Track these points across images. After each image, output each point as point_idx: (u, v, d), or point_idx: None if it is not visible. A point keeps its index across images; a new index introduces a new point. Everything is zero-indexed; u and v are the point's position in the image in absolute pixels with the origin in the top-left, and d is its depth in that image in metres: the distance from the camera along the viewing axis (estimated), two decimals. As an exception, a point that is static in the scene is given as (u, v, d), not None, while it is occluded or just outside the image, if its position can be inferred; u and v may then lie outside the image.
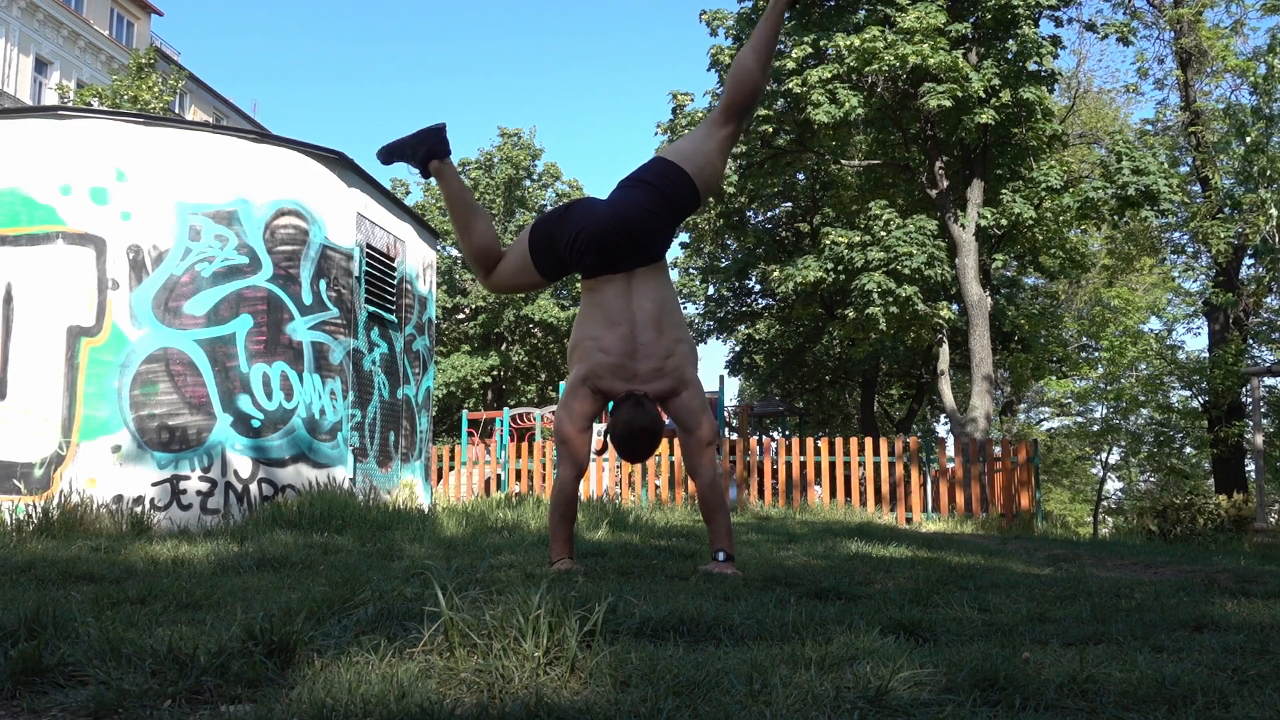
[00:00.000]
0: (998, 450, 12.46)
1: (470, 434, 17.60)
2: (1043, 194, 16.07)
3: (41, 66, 28.66)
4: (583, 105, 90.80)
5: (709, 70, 18.04)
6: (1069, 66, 23.99)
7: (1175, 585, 3.32)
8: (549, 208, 30.19)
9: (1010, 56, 15.61)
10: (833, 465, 12.30)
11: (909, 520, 11.64)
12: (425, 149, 3.58)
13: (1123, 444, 26.61)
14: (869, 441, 12.61)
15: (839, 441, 12.49)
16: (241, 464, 5.90)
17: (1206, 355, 20.74)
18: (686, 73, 79.89)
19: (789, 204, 23.10)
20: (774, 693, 1.59)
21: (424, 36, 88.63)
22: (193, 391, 5.88)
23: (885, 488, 12.40)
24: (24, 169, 6.04)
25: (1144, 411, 23.89)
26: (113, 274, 5.93)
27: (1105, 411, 25.65)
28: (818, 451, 12.41)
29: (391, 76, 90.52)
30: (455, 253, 28.59)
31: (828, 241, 16.74)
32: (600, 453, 3.53)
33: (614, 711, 1.50)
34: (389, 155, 3.69)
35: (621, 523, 5.93)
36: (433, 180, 3.75)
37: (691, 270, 25.53)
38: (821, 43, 15.74)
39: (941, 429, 32.06)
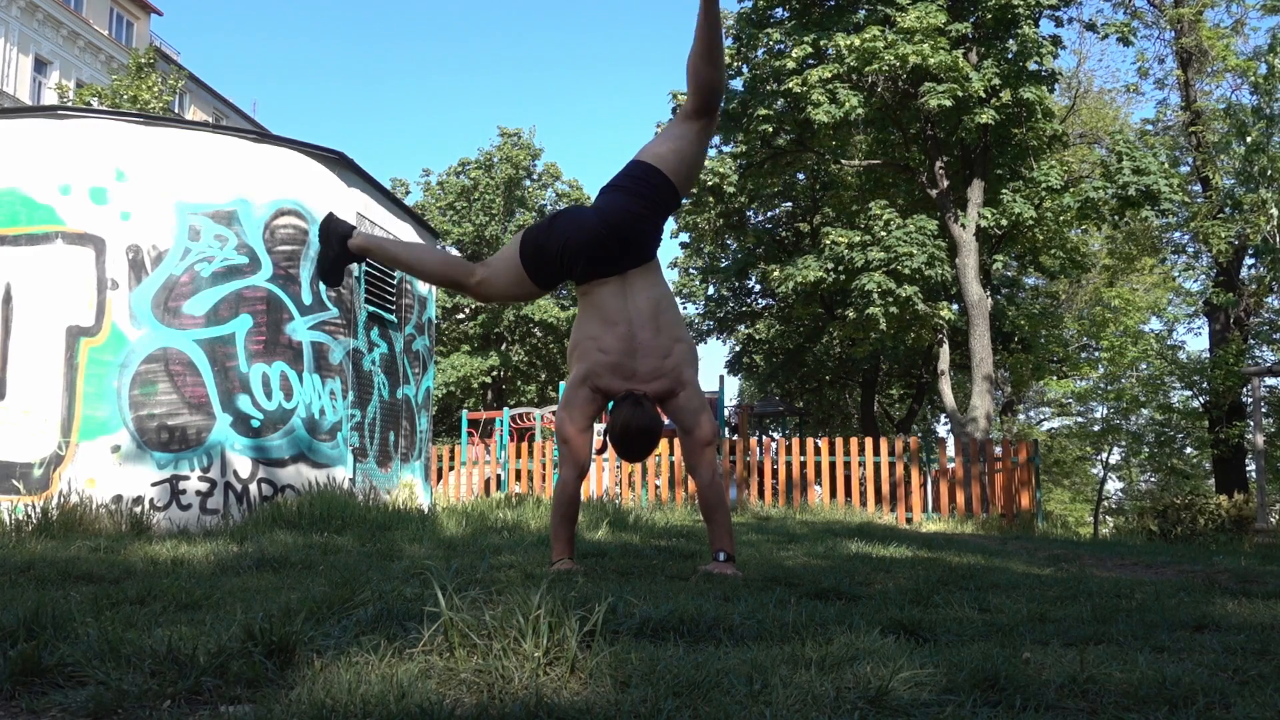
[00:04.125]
0: (998, 450, 12.46)
1: (470, 434, 17.60)
2: (1043, 194, 16.07)
3: (41, 66, 28.66)
4: (583, 105, 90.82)
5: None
6: (1069, 66, 24.00)
7: (1176, 585, 3.32)
8: (549, 208, 30.27)
9: (1010, 56, 15.61)
10: (833, 465, 12.30)
11: (909, 520, 11.64)
12: (336, 242, 3.80)
13: (1123, 444, 26.60)
14: (869, 441, 12.61)
15: (839, 441, 12.49)
16: (241, 464, 5.90)
17: (1207, 355, 20.74)
18: (686, 72, 79.71)
19: (789, 204, 23.11)
20: (774, 693, 1.59)
21: (424, 36, 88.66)
22: (192, 391, 5.88)
23: (885, 488, 12.40)
24: (23, 169, 6.04)
25: (1144, 412, 23.87)
26: (112, 274, 5.93)
27: (1105, 412, 25.65)
28: (818, 451, 12.41)
29: (391, 76, 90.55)
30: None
31: (828, 241, 16.74)
32: (600, 452, 3.54)
33: (614, 711, 1.50)
34: (325, 274, 3.90)
35: (621, 523, 5.93)
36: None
37: (691, 270, 25.52)
38: (821, 43, 15.74)
39: (941, 429, 32.07)
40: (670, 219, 3.61)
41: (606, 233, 3.34)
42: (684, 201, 3.79)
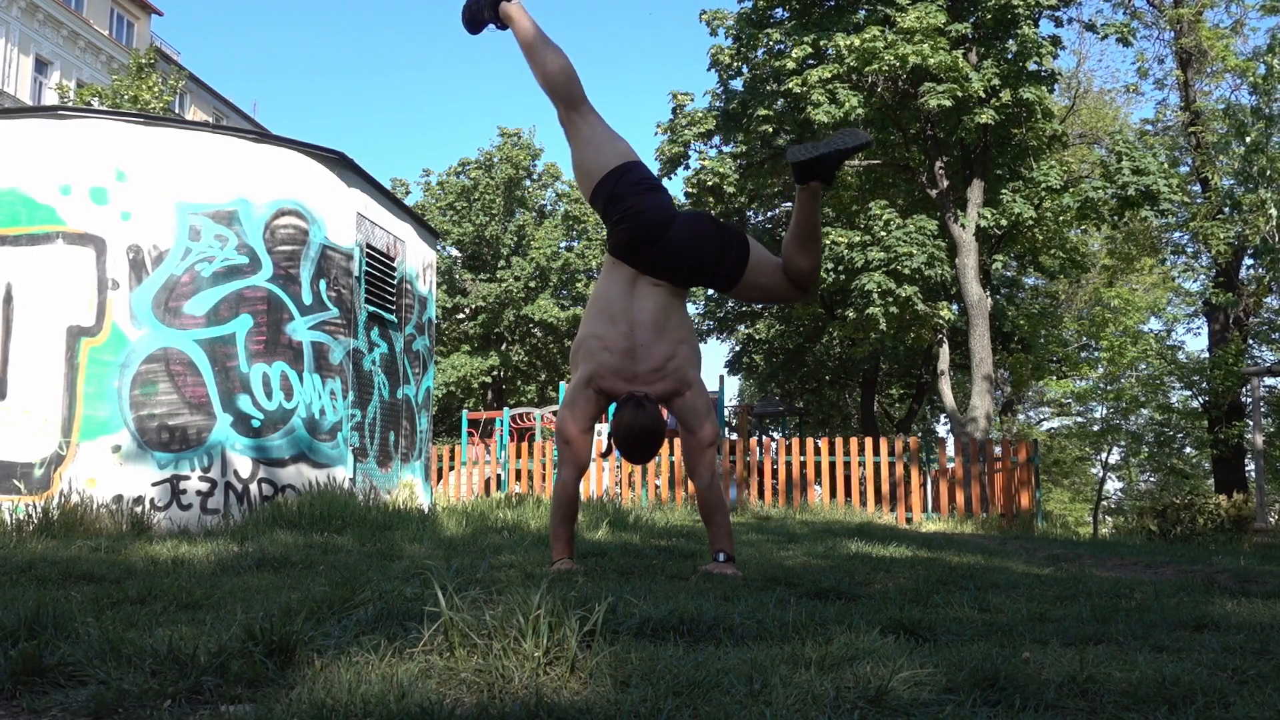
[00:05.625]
0: (998, 450, 12.46)
1: (470, 434, 17.60)
2: (1043, 194, 16.07)
3: (41, 66, 28.65)
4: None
5: (709, 70, 18.04)
6: (1069, 66, 24.02)
7: (1175, 585, 3.32)
8: (549, 208, 30.23)
9: (1010, 56, 15.60)
10: (833, 465, 12.30)
11: (909, 520, 11.64)
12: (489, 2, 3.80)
13: (1123, 444, 26.60)
14: (869, 441, 12.61)
15: (839, 441, 12.49)
16: (241, 464, 5.90)
17: (1206, 355, 20.74)
18: (686, 73, 79.87)
19: (789, 204, 23.10)
20: (774, 693, 1.59)
21: (423, 36, 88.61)
22: (193, 391, 5.88)
23: (885, 488, 12.40)
24: (24, 169, 6.04)
25: (1144, 411, 23.88)
26: (113, 274, 5.93)
27: (1105, 412, 25.64)
28: (818, 451, 12.41)
29: (391, 76, 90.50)
30: (455, 252, 28.59)
31: (828, 241, 16.73)
32: (605, 455, 3.53)
33: (614, 711, 1.50)
34: (467, 18, 3.89)
35: (621, 523, 5.93)
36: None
37: (691, 270, 25.48)
38: (821, 43, 15.73)
39: (941, 429, 32.06)
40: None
41: (664, 235, 3.36)
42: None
